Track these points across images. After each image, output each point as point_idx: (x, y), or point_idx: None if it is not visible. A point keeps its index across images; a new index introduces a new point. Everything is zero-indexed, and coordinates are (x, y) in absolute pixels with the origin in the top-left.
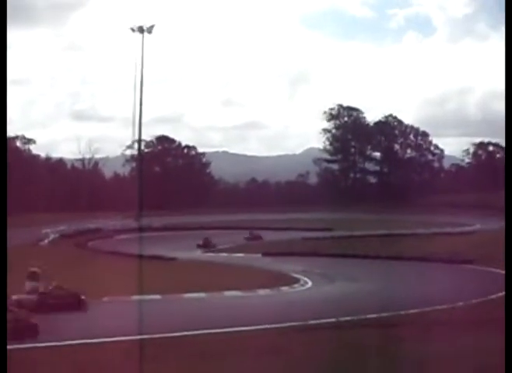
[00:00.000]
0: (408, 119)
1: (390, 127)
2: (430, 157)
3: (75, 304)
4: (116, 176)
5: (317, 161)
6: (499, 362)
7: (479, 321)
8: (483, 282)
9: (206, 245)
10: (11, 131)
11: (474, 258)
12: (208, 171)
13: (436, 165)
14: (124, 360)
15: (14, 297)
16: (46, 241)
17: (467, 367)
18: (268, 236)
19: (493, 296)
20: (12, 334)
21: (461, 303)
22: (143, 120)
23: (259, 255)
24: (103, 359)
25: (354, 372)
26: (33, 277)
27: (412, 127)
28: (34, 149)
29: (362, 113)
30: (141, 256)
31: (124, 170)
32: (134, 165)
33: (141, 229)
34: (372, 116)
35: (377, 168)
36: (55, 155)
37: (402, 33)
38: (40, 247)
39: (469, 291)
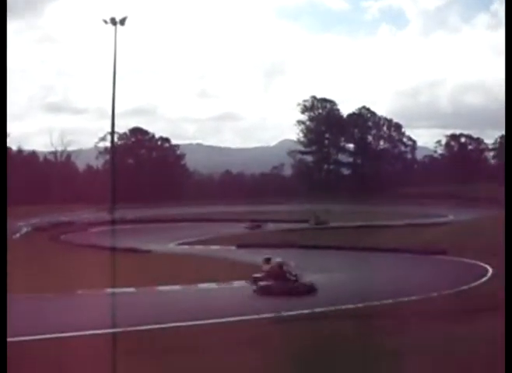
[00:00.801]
0: (381, 110)
1: (363, 119)
2: (403, 148)
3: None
4: (89, 168)
5: (291, 153)
6: (474, 352)
7: (454, 311)
8: (457, 273)
9: (253, 227)
10: None
11: (447, 249)
12: (182, 163)
13: (408, 156)
14: (97, 354)
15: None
16: (18, 234)
17: (442, 357)
18: (242, 228)
19: (466, 286)
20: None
21: (435, 294)
22: (117, 112)
23: (234, 247)
24: (76, 352)
25: (329, 363)
26: (268, 261)
27: (385, 118)
28: (8, 142)
29: (336, 104)
30: (115, 249)
31: (98, 162)
32: (107, 157)
33: (114, 222)
34: (346, 107)
35: (351, 159)
36: (28, 147)
37: (376, 26)
38: (13, 240)
39: (443, 281)
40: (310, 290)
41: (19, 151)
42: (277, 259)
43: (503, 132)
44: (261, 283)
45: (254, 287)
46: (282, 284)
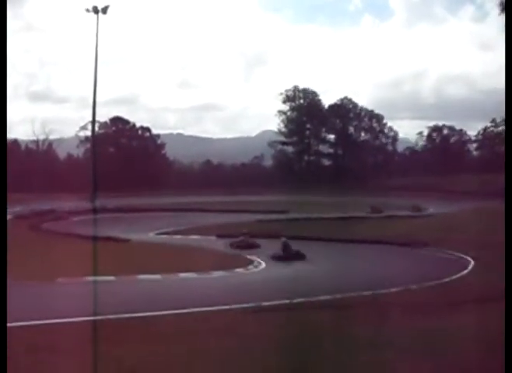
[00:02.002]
0: (363, 101)
1: (345, 110)
2: (384, 140)
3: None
4: (70, 157)
5: (272, 143)
6: (454, 344)
7: (434, 303)
8: (438, 265)
9: (375, 211)
10: None
11: (428, 241)
12: (163, 152)
13: (390, 147)
14: (77, 342)
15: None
16: None
17: (420, 349)
18: (223, 218)
19: (448, 279)
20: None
21: (415, 285)
22: (98, 101)
23: (213, 237)
24: (57, 340)
25: (308, 353)
26: (244, 235)
27: (366, 109)
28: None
29: (317, 95)
30: (95, 238)
31: (79, 151)
32: (88, 146)
33: (95, 211)
34: (327, 98)
35: (332, 150)
36: (10, 135)
37: (360, 16)
38: None
39: (424, 273)
40: (303, 256)
41: None
42: (283, 239)
43: (487, 124)
44: (274, 254)
45: (271, 254)
46: (288, 253)
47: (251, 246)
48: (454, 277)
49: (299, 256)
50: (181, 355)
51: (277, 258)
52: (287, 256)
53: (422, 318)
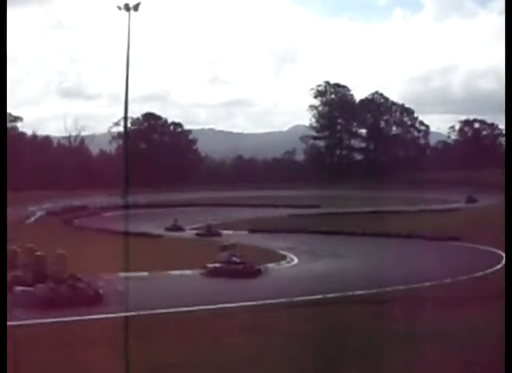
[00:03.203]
0: (394, 96)
1: (376, 104)
2: (416, 134)
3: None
4: (102, 153)
5: (303, 138)
6: (486, 338)
7: (467, 297)
8: (470, 259)
9: (471, 201)
10: None
11: (460, 235)
12: (194, 148)
13: (421, 141)
14: (109, 338)
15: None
16: (32, 219)
17: (454, 344)
18: (255, 213)
19: (481, 273)
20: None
21: (448, 280)
22: (130, 98)
23: (245, 232)
24: (89, 336)
25: (341, 349)
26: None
27: (397, 104)
28: (21, 127)
29: (349, 90)
30: (127, 233)
31: (111, 147)
32: (120, 142)
33: (127, 206)
34: (359, 93)
35: (363, 145)
36: (42, 132)
37: (390, 11)
38: (27, 225)
39: (457, 267)
40: (220, 234)
41: (34, 136)
42: (208, 222)
43: None
44: (197, 232)
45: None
46: (208, 232)
47: (179, 229)
48: (488, 271)
49: (217, 234)
50: (217, 350)
51: (200, 234)
52: (207, 233)
53: None
